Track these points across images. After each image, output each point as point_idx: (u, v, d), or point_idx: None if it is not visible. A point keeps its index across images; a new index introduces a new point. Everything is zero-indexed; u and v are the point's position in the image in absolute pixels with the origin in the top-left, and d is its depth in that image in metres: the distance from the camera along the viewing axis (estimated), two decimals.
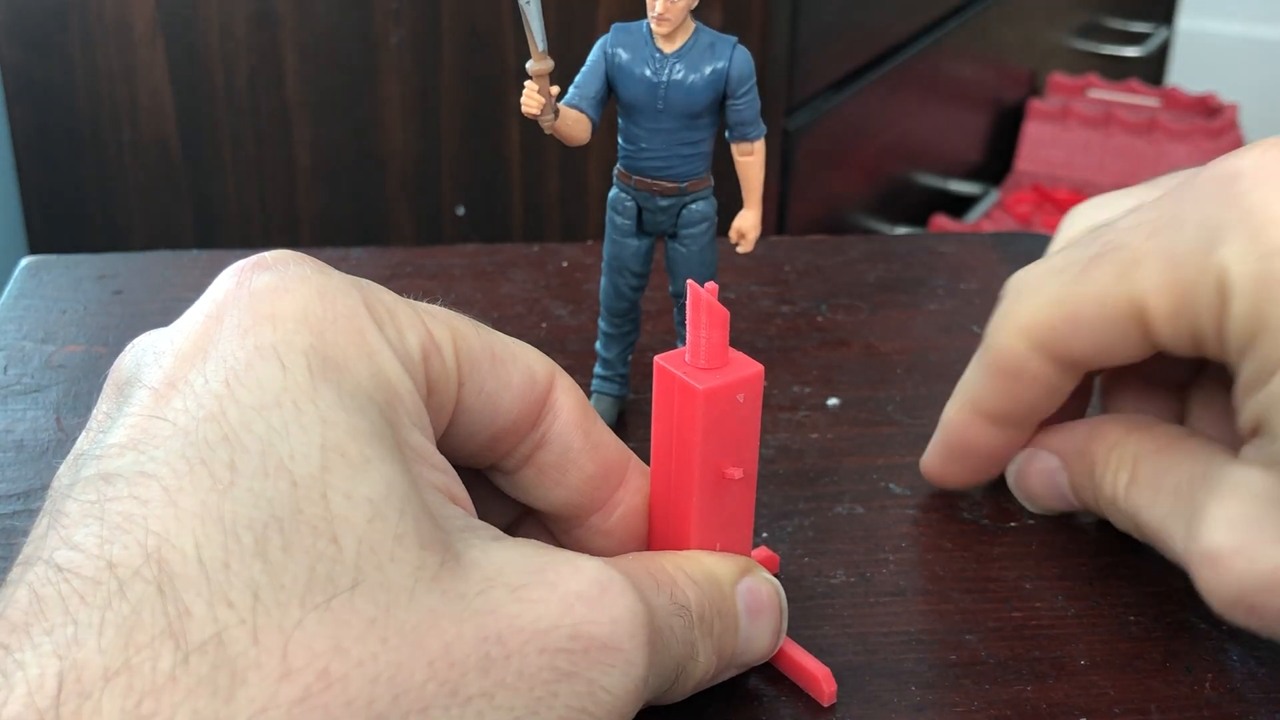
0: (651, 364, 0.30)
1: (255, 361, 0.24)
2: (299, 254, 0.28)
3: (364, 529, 0.23)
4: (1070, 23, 1.79)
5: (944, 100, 1.44)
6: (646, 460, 0.31)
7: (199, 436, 0.23)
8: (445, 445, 0.28)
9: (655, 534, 0.31)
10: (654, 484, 0.31)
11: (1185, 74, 2.16)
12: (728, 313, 0.29)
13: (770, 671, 0.32)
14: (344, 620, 0.22)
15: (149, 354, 0.26)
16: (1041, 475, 0.37)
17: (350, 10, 1.11)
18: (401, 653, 0.22)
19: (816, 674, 0.31)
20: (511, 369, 0.29)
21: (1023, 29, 1.61)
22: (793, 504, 0.39)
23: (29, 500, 0.38)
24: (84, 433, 0.27)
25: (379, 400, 0.25)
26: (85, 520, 0.23)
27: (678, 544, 0.31)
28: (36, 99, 1.22)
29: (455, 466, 0.27)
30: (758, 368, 0.30)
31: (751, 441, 0.30)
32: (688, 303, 0.29)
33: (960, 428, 0.38)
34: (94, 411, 0.27)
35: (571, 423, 0.30)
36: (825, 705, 0.31)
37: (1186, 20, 2.21)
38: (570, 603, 0.25)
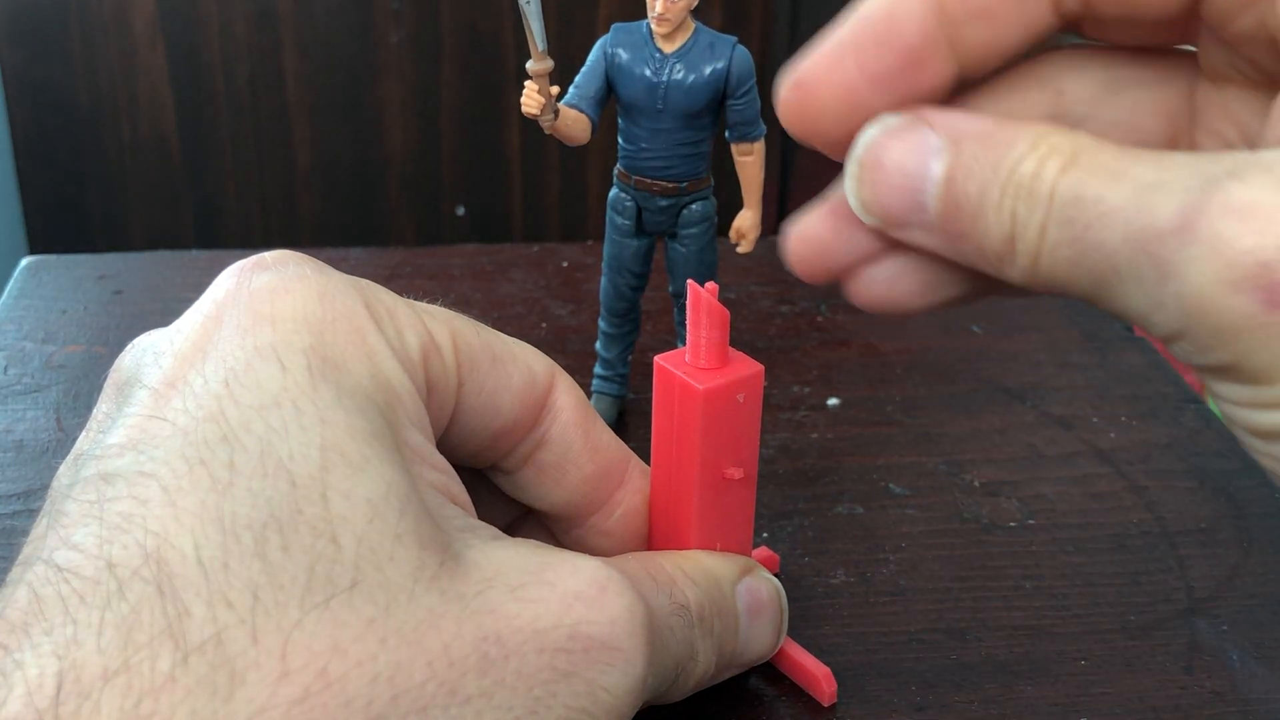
0: (651, 364, 0.30)
1: (255, 362, 0.24)
2: (298, 254, 0.28)
3: (363, 529, 0.23)
4: None
5: None
6: (646, 460, 0.31)
7: (198, 437, 0.23)
8: (445, 445, 0.28)
9: (655, 534, 0.31)
10: (654, 484, 0.31)
11: None
12: (728, 313, 0.29)
13: (770, 671, 0.32)
14: (343, 620, 0.22)
15: (149, 354, 0.26)
16: (908, 156, 0.23)
17: (350, 10, 1.11)
18: (400, 653, 0.22)
19: (817, 674, 0.31)
20: (511, 369, 0.29)
21: None
22: (793, 504, 0.39)
23: (29, 500, 0.38)
24: (84, 433, 0.27)
25: (378, 400, 0.25)
26: (85, 520, 0.22)
27: (678, 544, 0.31)
28: (36, 99, 1.22)
29: (455, 466, 0.27)
30: (758, 368, 0.30)
31: (752, 441, 0.30)
32: (688, 303, 0.29)
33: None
34: (94, 412, 0.27)
35: (571, 423, 0.30)
36: (826, 705, 0.31)
37: None
38: (569, 602, 0.25)
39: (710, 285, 0.29)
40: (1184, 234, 0.20)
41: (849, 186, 0.24)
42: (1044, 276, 0.21)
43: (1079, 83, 0.25)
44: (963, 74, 0.24)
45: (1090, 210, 0.21)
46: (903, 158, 0.23)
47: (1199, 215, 0.20)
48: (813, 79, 0.23)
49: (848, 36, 0.23)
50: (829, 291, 0.52)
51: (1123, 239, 0.20)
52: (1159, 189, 0.20)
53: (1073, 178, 0.21)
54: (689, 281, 0.29)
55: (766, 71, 0.38)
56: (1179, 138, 0.25)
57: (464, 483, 0.27)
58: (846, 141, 0.24)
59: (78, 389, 0.44)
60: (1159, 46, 0.25)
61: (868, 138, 0.23)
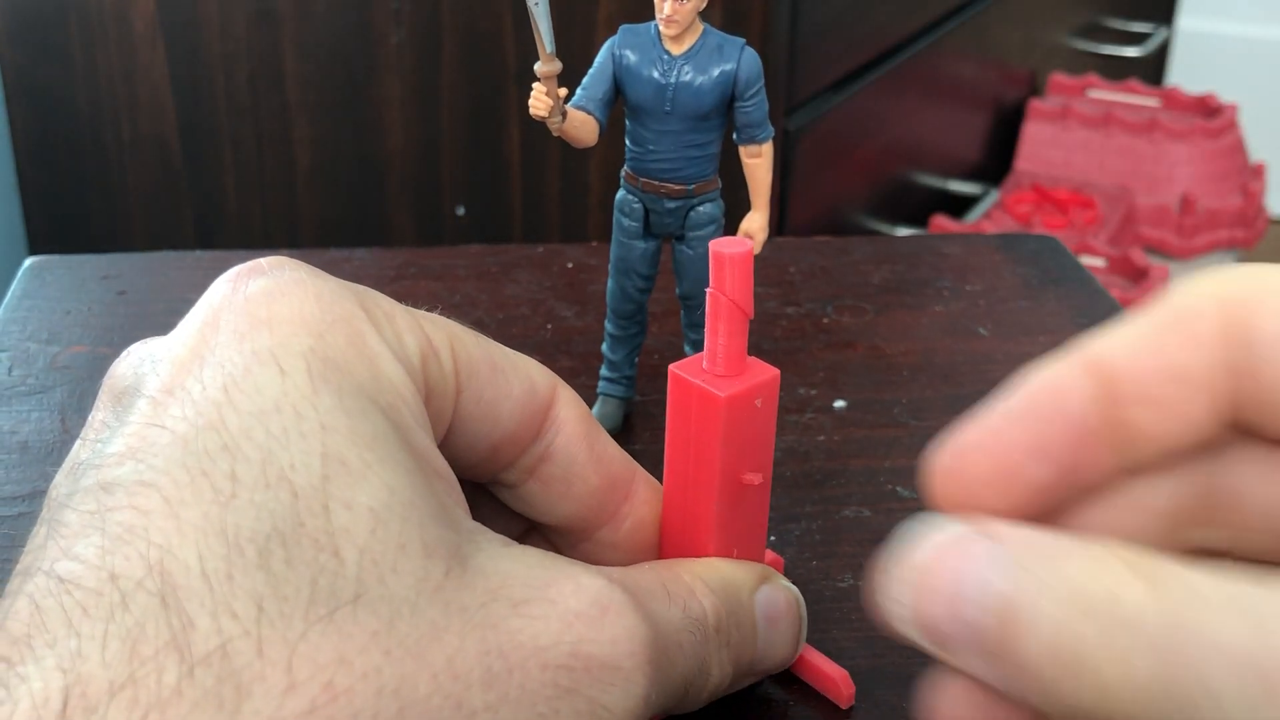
0: (657, 366, 0.30)
1: (253, 366, 0.24)
2: (294, 259, 0.27)
3: (365, 540, 0.23)
4: (1070, 23, 1.79)
5: (944, 100, 1.44)
6: (654, 466, 0.31)
7: (199, 446, 0.23)
8: (445, 454, 0.28)
9: (669, 543, 0.31)
10: (668, 493, 0.31)
11: (1185, 74, 2.16)
12: (750, 314, 0.29)
13: (783, 676, 0.32)
14: (347, 633, 0.22)
15: (146, 363, 0.26)
16: (965, 564, 0.20)
17: (350, 10, 1.11)
18: (405, 665, 0.22)
19: (835, 677, 0.31)
20: (512, 378, 0.29)
21: (1023, 29, 1.61)
22: (800, 507, 0.39)
23: (34, 502, 0.38)
24: (79, 441, 0.26)
25: (380, 402, 0.25)
26: (86, 531, 0.22)
27: (694, 553, 0.30)
28: (36, 99, 1.22)
29: (458, 479, 0.27)
30: (774, 372, 0.29)
31: (768, 446, 0.30)
32: (706, 311, 0.29)
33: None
34: (89, 419, 0.27)
35: (575, 435, 0.30)
36: (844, 708, 0.31)
37: (1186, 20, 2.21)
38: (570, 621, 0.24)
39: (742, 243, 0.28)
40: None
41: (891, 592, 0.21)
42: (1111, 702, 0.19)
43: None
44: (1127, 465, 0.22)
45: (1190, 638, 0.18)
46: (959, 565, 0.20)
47: None
48: (972, 447, 0.22)
49: (1012, 405, 0.22)
50: (834, 293, 0.52)
51: (1229, 665, 0.18)
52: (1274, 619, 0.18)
53: (1165, 603, 0.18)
54: (708, 290, 0.29)
55: (766, 71, 0.38)
56: None
57: (468, 498, 0.27)
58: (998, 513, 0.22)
59: (82, 390, 0.44)
60: None
61: (921, 540, 0.21)
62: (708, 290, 0.28)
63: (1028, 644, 0.19)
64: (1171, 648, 0.18)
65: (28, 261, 0.53)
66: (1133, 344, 0.22)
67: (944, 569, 0.20)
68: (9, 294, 0.51)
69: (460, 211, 1.16)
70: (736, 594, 0.30)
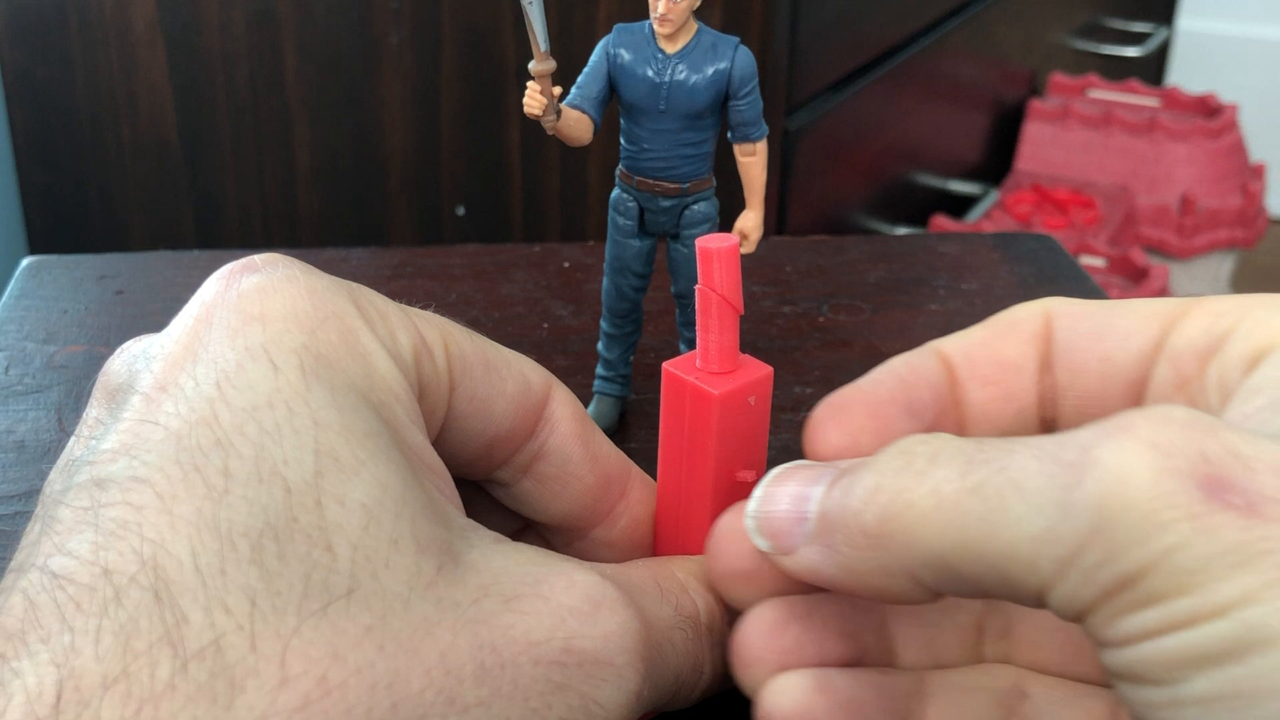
0: (652, 364, 0.30)
1: (246, 363, 0.24)
2: (287, 256, 0.27)
3: (358, 535, 0.23)
4: (1070, 23, 1.79)
5: (944, 100, 1.44)
6: (650, 463, 0.31)
7: (192, 441, 0.23)
8: (439, 452, 0.28)
9: (663, 542, 0.31)
10: (662, 492, 0.31)
11: (1185, 74, 2.16)
12: (740, 311, 0.29)
13: None
14: (340, 628, 0.22)
15: (140, 359, 0.26)
16: (801, 484, 0.26)
17: (350, 10, 1.11)
18: (398, 660, 0.22)
19: None
20: (505, 376, 0.29)
21: (1023, 29, 1.61)
22: None
23: (30, 501, 0.38)
24: (73, 438, 0.26)
25: (373, 399, 0.25)
26: (79, 526, 0.22)
27: (687, 551, 0.30)
28: (36, 99, 1.22)
29: (452, 477, 0.27)
30: (767, 369, 0.29)
31: (762, 444, 0.30)
32: (697, 307, 0.29)
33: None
34: (84, 416, 0.27)
35: (570, 434, 0.30)
36: None
37: (1186, 20, 2.21)
38: (562, 616, 0.25)
39: (728, 239, 0.28)
40: (1109, 435, 0.21)
41: (748, 510, 0.26)
42: (927, 526, 0.22)
43: None
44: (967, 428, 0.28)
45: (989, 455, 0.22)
46: (796, 486, 0.26)
47: (1129, 420, 0.21)
48: (850, 401, 0.27)
49: (880, 375, 0.27)
50: (830, 292, 0.52)
51: (1035, 460, 0.21)
52: (1060, 436, 0.22)
53: (956, 444, 0.23)
54: (698, 287, 0.29)
55: (766, 71, 0.38)
56: None
57: (462, 496, 0.27)
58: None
59: (79, 389, 0.44)
60: None
61: (774, 471, 0.26)
62: (697, 287, 0.28)
63: (853, 500, 0.23)
64: (981, 458, 0.22)
65: (25, 261, 0.53)
66: (972, 340, 0.28)
67: (787, 478, 0.26)
68: (6, 293, 0.51)
69: (460, 211, 1.16)
70: None
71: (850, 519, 0.23)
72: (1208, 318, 0.25)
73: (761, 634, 0.27)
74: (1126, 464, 0.20)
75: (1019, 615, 0.28)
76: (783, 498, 0.26)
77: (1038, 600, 0.22)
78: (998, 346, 0.28)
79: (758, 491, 0.26)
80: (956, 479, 0.22)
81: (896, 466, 0.23)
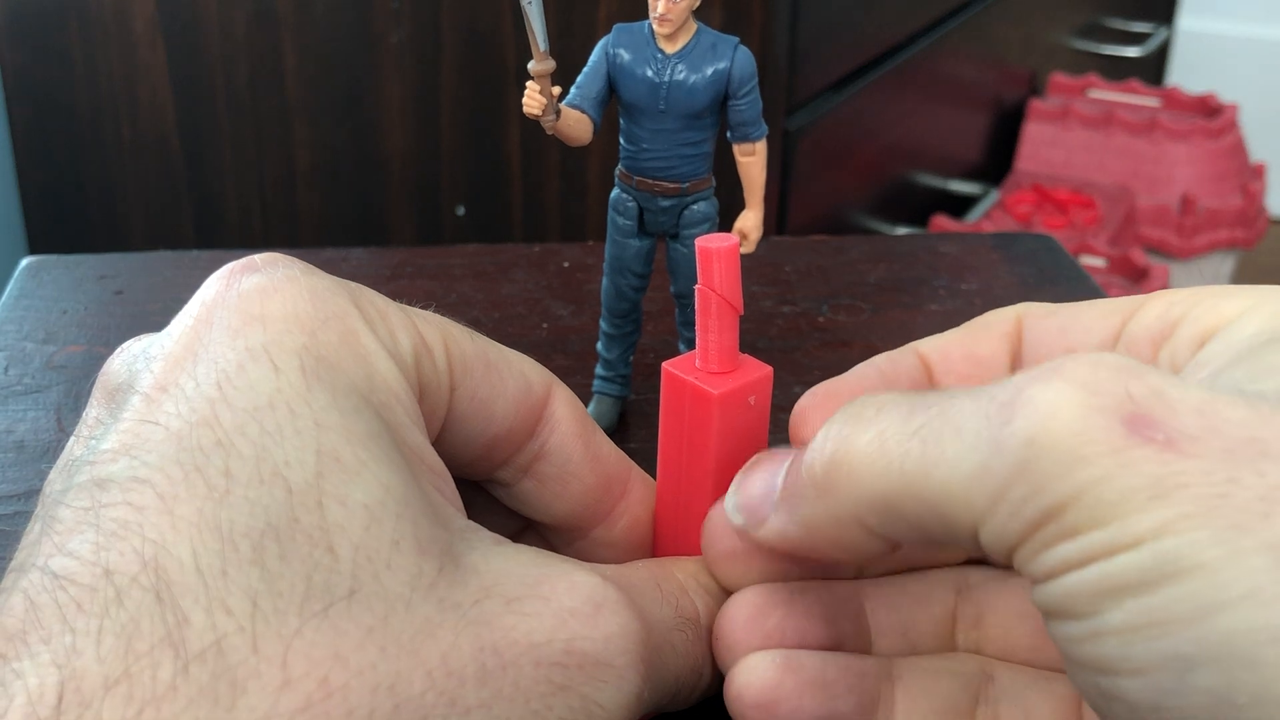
0: (652, 364, 0.30)
1: (246, 363, 0.24)
2: (288, 256, 0.27)
3: (360, 536, 0.23)
4: (1070, 23, 1.79)
5: (944, 100, 1.44)
6: (650, 463, 0.31)
7: (192, 442, 0.23)
8: (439, 452, 0.28)
9: (663, 542, 0.31)
10: (662, 491, 0.31)
11: (1185, 74, 2.16)
12: (740, 311, 0.29)
13: None
14: (342, 629, 0.22)
15: (140, 359, 0.26)
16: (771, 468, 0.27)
17: (350, 10, 1.11)
18: (400, 662, 0.22)
19: None
20: (506, 376, 0.29)
21: (1023, 29, 1.61)
22: None
23: (29, 501, 0.38)
24: (73, 438, 0.26)
25: (374, 400, 0.25)
26: (80, 527, 0.22)
27: (688, 551, 0.30)
28: (36, 99, 1.22)
29: (452, 477, 0.27)
30: (767, 370, 0.29)
31: (761, 444, 0.30)
32: (696, 307, 0.29)
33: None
34: (84, 416, 0.27)
35: (571, 434, 0.30)
36: None
37: (1186, 20, 2.21)
38: (564, 618, 0.25)
39: (727, 239, 0.28)
40: (1041, 376, 0.21)
41: (728, 498, 0.28)
42: (871, 464, 0.24)
43: None
44: None
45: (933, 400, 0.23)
46: (769, 465, 0.27)
47: (1061, 363, 0.22)
48: (835, 392, 0.29)
49: (864, 369, 0.30)
50: (830, 292, 0.52)
51: (972, 402, 0.22)
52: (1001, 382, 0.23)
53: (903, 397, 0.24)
54: (697, 286, 0.29)
55: (766, 71, 0.38)
56: None
57: (462, 495, 0.27)
58: None
59: (79, 389, 0.44)
60: None
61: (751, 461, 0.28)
62: (696, 287, 0.28)
63: (810, 459, 0.25)
64: (923, 405, 0.23)
65: (24, 261, 0.53)
66: (948, 340, 0.30)
67: (760, 461, 0.28)
68: (6, 293, 0.51)
69: (460, 211, 1.16)
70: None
71: (804, 474, 0.25)
72: (1162, 306, 0.27)
73: (742, 617, 0.28)
74: (1054, 401, 0.21)
75: (990, 604, 0.29)
76: (756, 477, 0.27)
77: (972, 538, 0.22)
78: (971, 344, 0.30)
79: (738, 476, 0.28)
80: (899, 424, 0.23)
81: (844, 418, 0.24)
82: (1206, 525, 0.19)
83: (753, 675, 0.27)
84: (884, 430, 0.23)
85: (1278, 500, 0.19)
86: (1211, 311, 0.25)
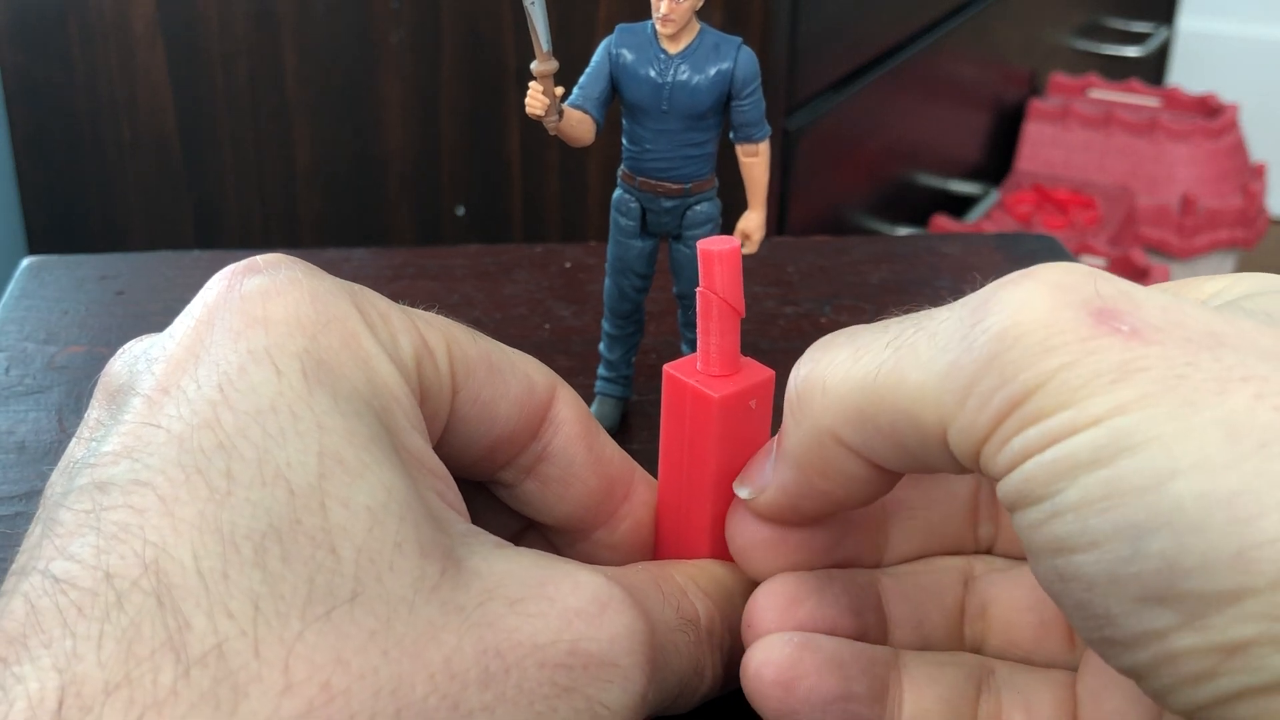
0: (654, 365, 0.30)
1: (248, 366, 0.24)
2: (290, 257, 0.27)
3: (362, 539, 0.23)
4: (1070, 23, 1.79)
5: (944, 100, 1.44)
6: (651, 464, 0.31)
7: (194, 444, 0.23)
8: (441, 454, 0.28)
9: (664, 544, 0.31)
10: (663, 494, 0.31)
11: (1185, 74, 2.16)
12: (741, 313, 0.29)
13: None
14: (344, 632, 0.22)
15: (141, 360, 0.26)
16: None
17: (350, 10, 1.11)
18: (402, 665, 0.22)
19: None
20: (509, 378, 0.29)
21: (1023, 29, 1.61)
22: None
23: (30, 501, 0.38)
24: (75, 440, 0.26)
25: (375, 404, 0.25)
26: (81, 530, 0.22)
27: (689, 554, 0.30)
28: (36, 99, 1.22)
29: (455, 478, 0.27)
30: (769, 373, 0.29)
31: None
32: (697, 310, 0.29)
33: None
34: (85, 418, 0.27)
35: (574, 435, 0.30)
36: None
37: (1186, 20, 2.21)
38: (569, 618, 0.24)
39: (729, 241, 0.28)
40: (1013, 280, 0.22)
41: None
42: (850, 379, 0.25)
43: None
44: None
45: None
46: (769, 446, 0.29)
47: (1033, 269, 0.23)
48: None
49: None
50: (833, 292, 0.52)
51: (946, 310, 0.24)
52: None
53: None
54: (698, 289, 0.28)
55: (766, 72, 0.38)
56: None
57: (465, 495, 0.27)
58: None
59: (80, 390, 0.44)
60: None
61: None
62: (697, 289, 0.28)
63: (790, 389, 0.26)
64: (898, 323, 0.24)
65: (25, 261, 0.53)
66: None
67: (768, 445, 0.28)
68: (6, 294, 0.51)
69: (460, 211, 1.16)
70: (730, 597, 0.29)
71: (785, 406, 0.26)
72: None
73: (776, 606, 0.28)
74: (1025, 298, 0.22)
75: (994, 596, 0.30)
76: (760, 455, 0.29)
77: (942, 442, 0.23)
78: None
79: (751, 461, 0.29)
80: (875, 338, 0.24)
81: (820, 345, 0.25)
82: (1163, 403, 0.20)
83: (771, 653, 0.27)
84: (859, 347, 0.24)
85: (1232, 380, 0.20)
86: (1195, 289, 0.26)
